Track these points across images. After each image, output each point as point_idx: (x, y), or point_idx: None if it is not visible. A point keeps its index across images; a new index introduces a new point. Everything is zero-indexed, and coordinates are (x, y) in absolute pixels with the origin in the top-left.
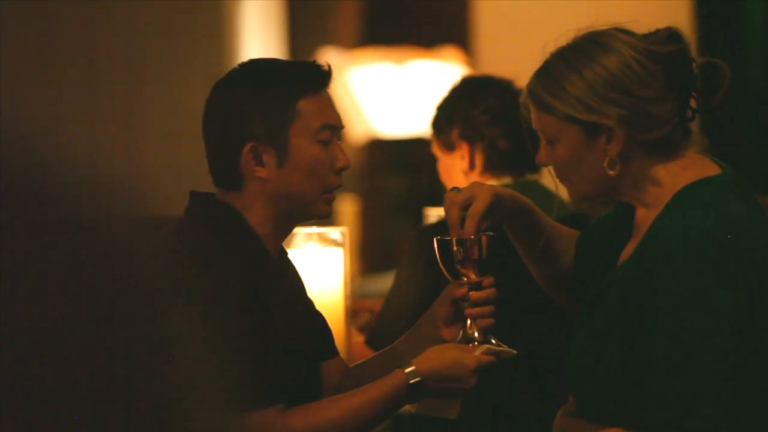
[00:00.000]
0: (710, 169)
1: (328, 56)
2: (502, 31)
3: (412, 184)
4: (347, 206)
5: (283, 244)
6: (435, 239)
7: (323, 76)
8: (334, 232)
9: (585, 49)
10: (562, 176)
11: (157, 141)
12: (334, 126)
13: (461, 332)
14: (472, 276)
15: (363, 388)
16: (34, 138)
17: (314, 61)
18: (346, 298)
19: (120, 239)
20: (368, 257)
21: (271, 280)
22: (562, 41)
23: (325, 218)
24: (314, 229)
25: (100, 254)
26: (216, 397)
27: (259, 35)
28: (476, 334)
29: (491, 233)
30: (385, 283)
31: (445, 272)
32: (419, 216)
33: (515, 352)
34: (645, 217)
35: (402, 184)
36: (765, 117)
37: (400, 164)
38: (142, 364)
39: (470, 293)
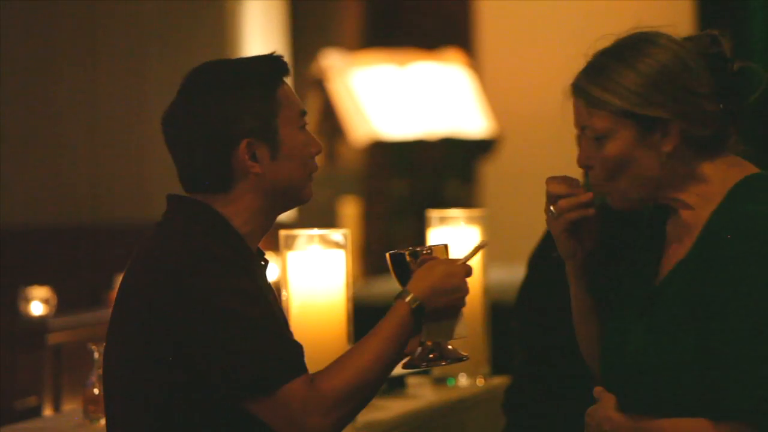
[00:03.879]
0: (751, 167)
1: (331, 58)
2: (504, 33)
3: (414, 186)
4: (349, 208)
5: (285, 245)
6: (387, 254)
7: (285, 64)
8: (336, 235)
9: (635, 44)
10: (608, 177)
11: (158, 143)
12: (305, 111)
13: (420, 345)
14: None
15: (373, 331)
16: (35, 138)
17: (272, 53)
18: (347, 300)
19: (121, 240)
20: (370, 259)
21: (257, 282)
22: (604, 43)
23: (308, 202)
24: (316, 231)
25: (100, 255)
26: (238, 382)
27: (261, 37)
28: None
29: (445, 243)
30: (386, 285)
31: (399, 285)
32: (421, 218)
33: (486, 241)
34: (693, 217)
35: (404, 186)
36: (766, 117)
37: (402, 166)
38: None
39: None
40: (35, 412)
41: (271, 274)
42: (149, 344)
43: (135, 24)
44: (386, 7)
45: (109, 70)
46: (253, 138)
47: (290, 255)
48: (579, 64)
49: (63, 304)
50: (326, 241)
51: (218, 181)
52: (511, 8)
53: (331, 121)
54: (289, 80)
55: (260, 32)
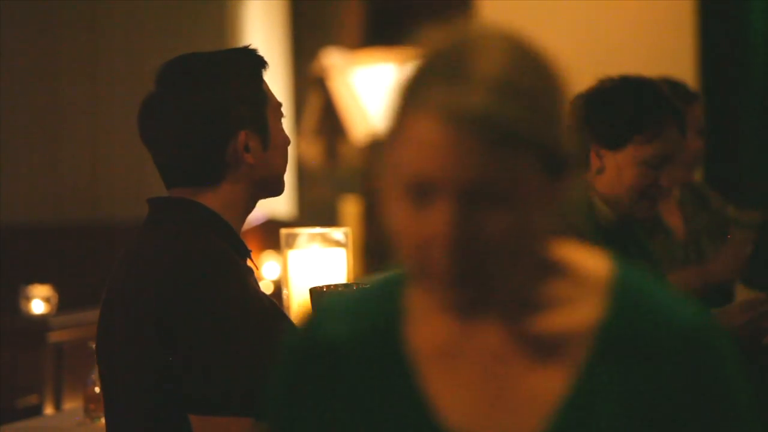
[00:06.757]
0: None
1: (332, 57)
2: None
3: None
4: (350, 207)
5: (286, 244)
6: (309, 290)
7: (263, 57)
8: (336, 233)
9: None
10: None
11: None
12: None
13: None
14: None
15: None
16: (35, 138)
17: (247, 46)
18: None
19: (121, 240)
20: (371, 258)
21: (252, 279)
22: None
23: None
24: (317, 230)
25: (101, 254)
26: (199, 393)
27: (262, 36)
28: None
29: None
30: None
31: None
32: None
33: None
34: None
35: None
36: (767, 117)
37: None
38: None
39: None
40: (36, 410)
41: (272, 274)
42: (145, 348)
43: (135, 24)
44: (386, 6)
45: (109, 70)
46: (248, 129)
47: (291, 253)
48: (579, 63)
49: (64, 303)
50: (327, 240)
51: (208, 173)
52: (511, 8)
53: (331, 120)
54: (290, 79)
55: (260, 32)
